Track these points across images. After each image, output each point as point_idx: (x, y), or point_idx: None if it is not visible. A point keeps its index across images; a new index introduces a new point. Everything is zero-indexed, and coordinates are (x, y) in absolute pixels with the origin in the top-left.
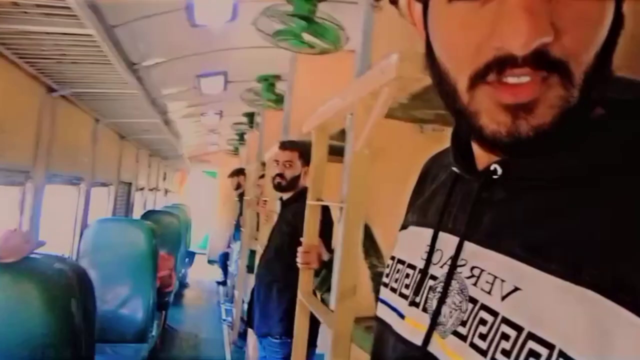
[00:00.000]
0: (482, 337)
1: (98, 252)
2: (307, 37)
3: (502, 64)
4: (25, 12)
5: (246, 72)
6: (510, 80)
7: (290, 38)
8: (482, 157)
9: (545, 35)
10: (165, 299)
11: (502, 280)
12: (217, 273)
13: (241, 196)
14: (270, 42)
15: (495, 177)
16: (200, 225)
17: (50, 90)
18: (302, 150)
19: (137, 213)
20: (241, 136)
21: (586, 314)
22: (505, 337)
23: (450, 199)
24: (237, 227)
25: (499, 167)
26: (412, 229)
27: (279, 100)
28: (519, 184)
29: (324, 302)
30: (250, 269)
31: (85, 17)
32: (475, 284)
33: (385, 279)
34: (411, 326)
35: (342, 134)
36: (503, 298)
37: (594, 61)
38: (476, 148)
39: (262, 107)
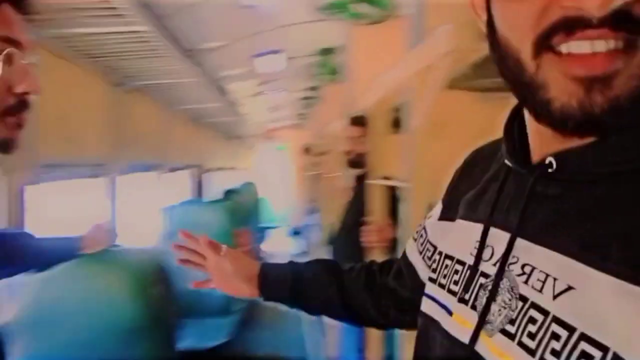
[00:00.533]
0: (531, 336)
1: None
2: (356, 7)
3: (572, 25)
4: (84, 16)
5: (304, 47)
6: (583, 48)
7: (340, 10)
8: (537, 150)
9: None
10: None
11: (555, 279)
12: (295, 245)
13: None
14: (322, 15)
15: (550, 170)
16: (276, 200)
17: (117, 84)
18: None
19: (212, 193)
20: (306, 110)
21: None
22: (555, 336)
23: (502, 193)
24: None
25: (554, 161)
26: (460, 222)
27: (339, 72)
28: (574, 178)
29: None
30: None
31: (134, 15)
32: (526, 282)
33: (432, 274)
34: (458, 323)
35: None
36: (555, 297)
37: None
38: (533, 139)
39: (323, 80)
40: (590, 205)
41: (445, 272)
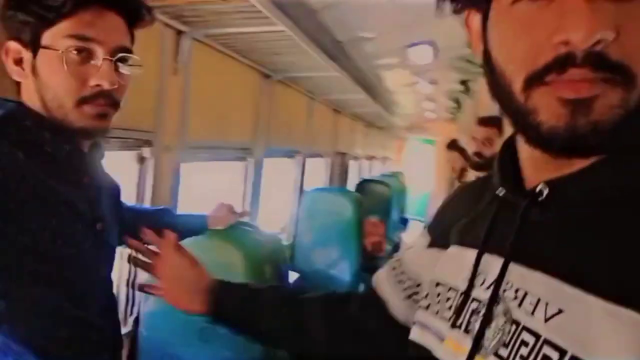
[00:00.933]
0: (523, 358)
1: (311, 218)
2: None
3: (563, 63)
4: (233, 17)
5: (456, 39)
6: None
7: None
8: (530, 178)
9: (607, 30)
10: (375, 263)
11: (547, 302)
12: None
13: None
14: None
15: (541, 197)
16: (419, 193)
17: (266, 76)
18: (503, 126)
19: (352, 181)
20: (458, 103)
21: (636, 339)
22: (546, 359)
23: (496, 220)
24: None
25: (545, 188)
26: (453, 249)
27: None
28: (565, 204)
29: None
30: None
31: (274, 16)
32: (519, 306)
33: (423, 302)
34: (452, 349)
35: None
36: (546, 320)
37: None
38: (525, 168)
39: (475, 74)
40: (580, 230)
41: (438, 299)
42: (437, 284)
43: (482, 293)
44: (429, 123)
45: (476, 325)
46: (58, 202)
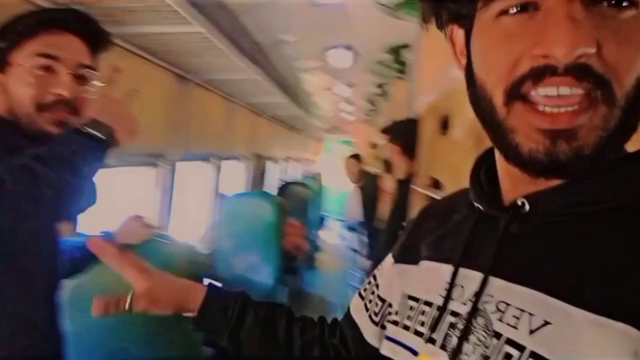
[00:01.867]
0: None
1: (231, 224)
2: None
3: (540, 73)
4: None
5: (374, 43)
6: (549, 92)
7: (411, 10)
8: (508, 192)
9: (588, 46)
10: (296, 264)
11: (531, 314)
12: (352, 240)
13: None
14: (392, 15)
15: (522, 212)
16: (337, 193)
17: (181, 78)
18: (392, 132)
19: (272, 184)
20: (375, 105)
21: (626, 350)
22: None
23: (473, 235)
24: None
25: (526, 202)
26: (425, 264)
27: (407, 70)
28: (546, 219)
29: None
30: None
31: (192, 17)
32: (500, 319)
33: (395, 317)
34: None
35: None
36: (531, 332)
37: (635, 86)
38: (503, 182)
39: (391, 77)
40: (562, 243)
41: (410, 313)
42: (409, 298)
43: (460, 307)
44: (346, 124)
45: (454, 340)
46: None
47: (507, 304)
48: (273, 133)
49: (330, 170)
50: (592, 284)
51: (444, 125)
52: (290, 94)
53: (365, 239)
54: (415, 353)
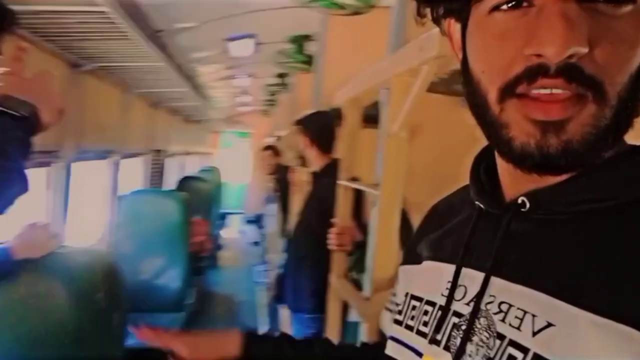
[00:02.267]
0: None
1: (132, 224)
2: None
3: (534, 74)
4: None
5: (277, 33)
6: (542, 91)
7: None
8: (508, 189)
9: (580, 45)
10: (201, 264)
11: (534, 315)
12: (253, 233)
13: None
14: (299, 3)
15: (523, 210)
16: (235, 186)
17: (75, 66)
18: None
19: (172, 179)
20: (274, 97)
21: (631, 353)
22: None
23: (475, 234)
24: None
25: (527, 200)
26: (427, 264)
27: (311, 62)
28: (548, 217)
29: (357, 283)
30: (284, 233)
31: None
32: (503, 320)
33: (398, 317)
34: None
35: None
36: (535, 334)
37: (628, 84)
38: (503, 179)
39: (293, 69)
40: (564, 242)
41: (413, 313)
42: (413, 297)
43: (463, 307)
44: (245, 116)
45: (457, 341)
46: None
47: (510, 305)
48: (171, 126)
49: (229, 163)
50: (596, 284)
51: (366, 118)
52: (190, 84)
53: (265, 231)
54: (419, 354)
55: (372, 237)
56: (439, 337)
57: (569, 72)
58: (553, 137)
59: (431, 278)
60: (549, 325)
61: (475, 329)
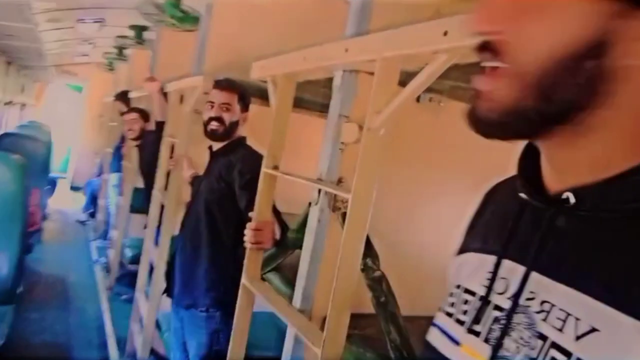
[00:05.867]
0: None
1: None
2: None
3: (481, 48)
4: None
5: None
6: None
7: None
8: (551, 183)
9: (494, 23)
10: (30, 240)
11: (577, 319)
12: (80, 202)
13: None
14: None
15: (568, 205)
16: (62, 147)
17: None
18: (242, 92)
19: None
20: (121, 51)
21: None
22: None
23: (518, 226)
24: (117, 156)
25: (571, 196)
26: (471, 255)
27: (186, 19)
28: (594, 214)
29: (266, 281)
30: (133, 208)
31: None
32: (545, 320)
33: (446, 307)
34: (468, 355)
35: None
36: (578, 338)
37: (555, 67)
38: (546, 172)
39: (163, 24)
40: (611, 243)
41: (453, 300)
42: (453, 285)
43: (504, 302)
44: (81, 67)
45: (497, 335)
46: None
47: (552, 304)
48: None
49: (57, 120)
50: None
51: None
52: (19, 17)
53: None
54: (457, 342)
55: (308, 240)
56: (478, 328)
57: (487, 46)
58: (483, 102)
59: (472, 267)
60: (593, 330)
61: (515, 325)
